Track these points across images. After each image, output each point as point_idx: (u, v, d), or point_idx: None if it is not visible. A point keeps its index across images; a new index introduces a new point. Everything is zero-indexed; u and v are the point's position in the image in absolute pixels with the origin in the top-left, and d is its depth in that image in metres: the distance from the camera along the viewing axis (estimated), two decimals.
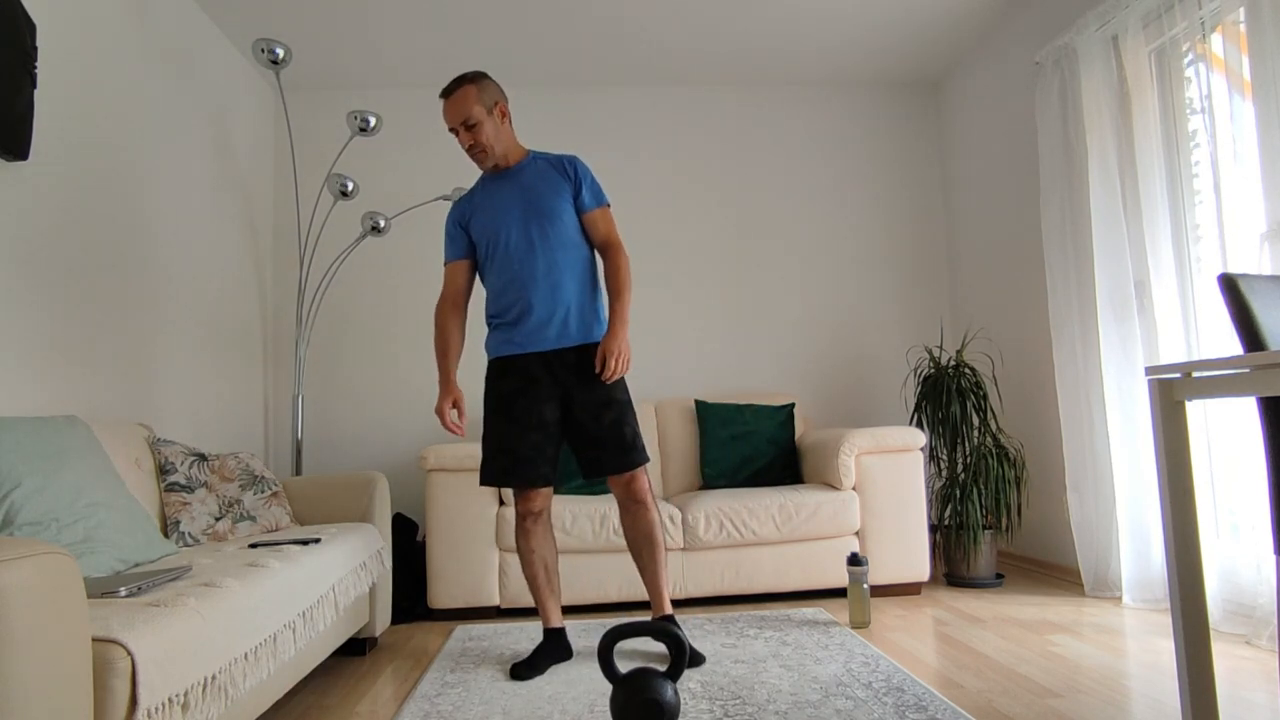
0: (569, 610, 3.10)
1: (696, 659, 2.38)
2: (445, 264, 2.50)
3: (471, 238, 2.45)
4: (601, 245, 2.43)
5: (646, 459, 2.38)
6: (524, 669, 2.32)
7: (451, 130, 2.35)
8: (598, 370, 2.30)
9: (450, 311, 2.48)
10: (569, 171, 2.41)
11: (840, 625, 2.76)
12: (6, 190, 2.20)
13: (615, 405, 2.34)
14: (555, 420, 2.36)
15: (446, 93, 2.34)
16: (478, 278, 2.53)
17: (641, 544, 2.43)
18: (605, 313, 2.44)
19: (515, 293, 2.35)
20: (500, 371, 2.40)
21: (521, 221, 2.35)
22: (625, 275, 2.38)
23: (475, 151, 2.37)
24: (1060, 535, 3.42)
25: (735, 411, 3.70)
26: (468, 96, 2.31)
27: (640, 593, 3.07)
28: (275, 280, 4.10)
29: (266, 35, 3.60)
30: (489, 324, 2.46)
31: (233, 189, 3.66)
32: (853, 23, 3.76)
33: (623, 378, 2.39)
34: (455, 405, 2.40)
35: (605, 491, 3.42)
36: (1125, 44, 2.92)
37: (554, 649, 2.43)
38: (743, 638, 2.64)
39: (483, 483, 2.39)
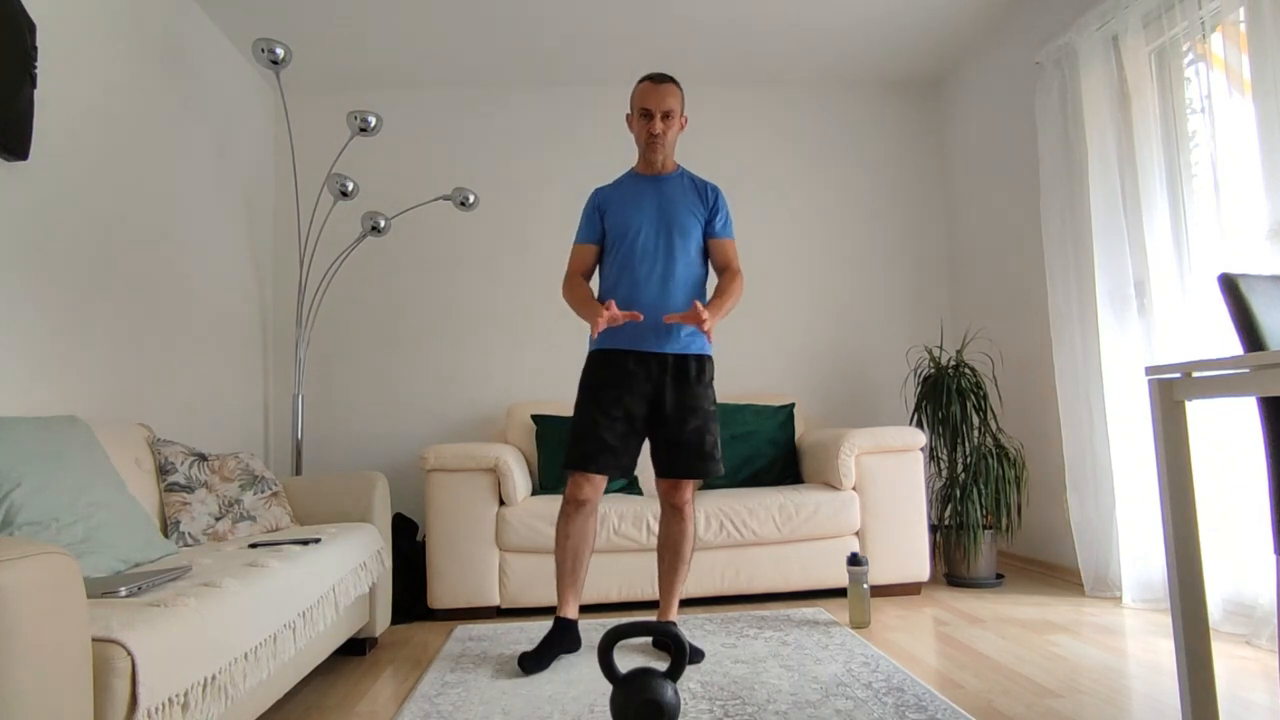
0: None
1: (696, 655, 2.40)
2: (576, 243, 2.58)
3: (605, 225, 2.53)
4: (722, 267, 2.54)
5: (720, 470, 2.47)
6: (531, 662, 2.35)
7: (644, 114, 2.45)
8: (679, 321, 2.30)
9: (578, 281, 2.54)
10: (709, 197, 2.54)
11: (840, 625, 2.76)
12: (6, 190, 2.20)
13: (702, 413, 2.43)
14: (643, 417, 2.43)
15: (659, 79, 2.47)
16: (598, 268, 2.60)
17: (667, 550, 2.53)
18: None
19: (629, 289, 2.43)
20: (600, 362, 2.47)
21: (654, 226, 2.46)
22: (738, 287, 2.47)
23: (656, 140, 2.47)
24: (1060, 535, 3.42)
25: (735, 411, 3.70)
26: (676, 93, 2.47)
27: (641, 593, 3.08)
28: (275, 280, 4.09)
29: (266, 35, 3.60)
30: None
31: (233, 189, 3.66)
32: (852, 22, 3.76)
33: (712, 390, 2.49)
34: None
35: (609, 492, 3.42)
36: (1125, 44, 2.92)
37: (562, 639, 2.46)
38: (743, 638, 2.64)
39: (565, 466, 2.43)
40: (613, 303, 2.32)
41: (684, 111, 2.52)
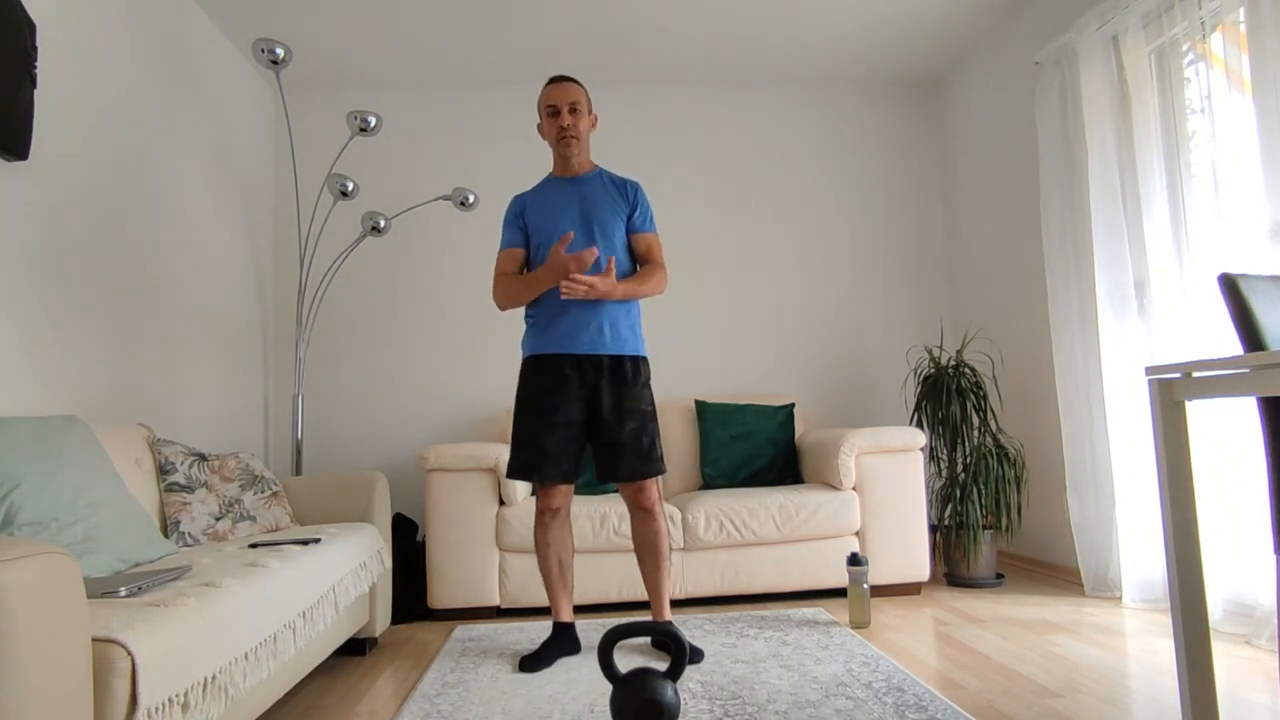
0: None
1: (696, 655, 2.41)
2: (501, 249, 2.57)
3: (528, 230, 2.53)
4: (643, 260, 2.54)
5: (662, 470, 2.45)
6: (532, 662, 2.37)
7: (550, 112, 2.48)
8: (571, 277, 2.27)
9: (508, 278, 2.53)
10: (629, 194, 2.54)
11: (840, 625, 2.76)
12: (6, 190, 2.20)
13: (639, 414, 2.42)
14: (580, 420, 2.42)
15: (558, 79, 2.50)
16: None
17: (645, 552, 2.50)
18: (641, 330, 2.52)
19: (557, 294, 2.41)
20: (533, 369, 2.47)
21: (580, 228, 2.45)
22: (653, 278, 2.48)
23: (567, 135, 2.47)
24: (1060, 535, 3.42)
25: (735, 411, 3.70)
26: (579, 89, 2.50)
27: (641, 593, 3.07)
28: (275, 280, 4.09)
29: (266, 35, 3.60)
30: (527, 320, 2.53)
31: (233, 189, 3.66)
32: (852, 22, 3.76)
33: (649, 390, 2.49)
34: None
35: (606, 492, 3.42)
36: (1125, 44, 2.92)
37: (562, 643, 2.48)
38: (743, 638, 2.64)
39: (509, 475, 2.46)
40: (558, 249, 2.30)
41: (592, 108, 2.54)
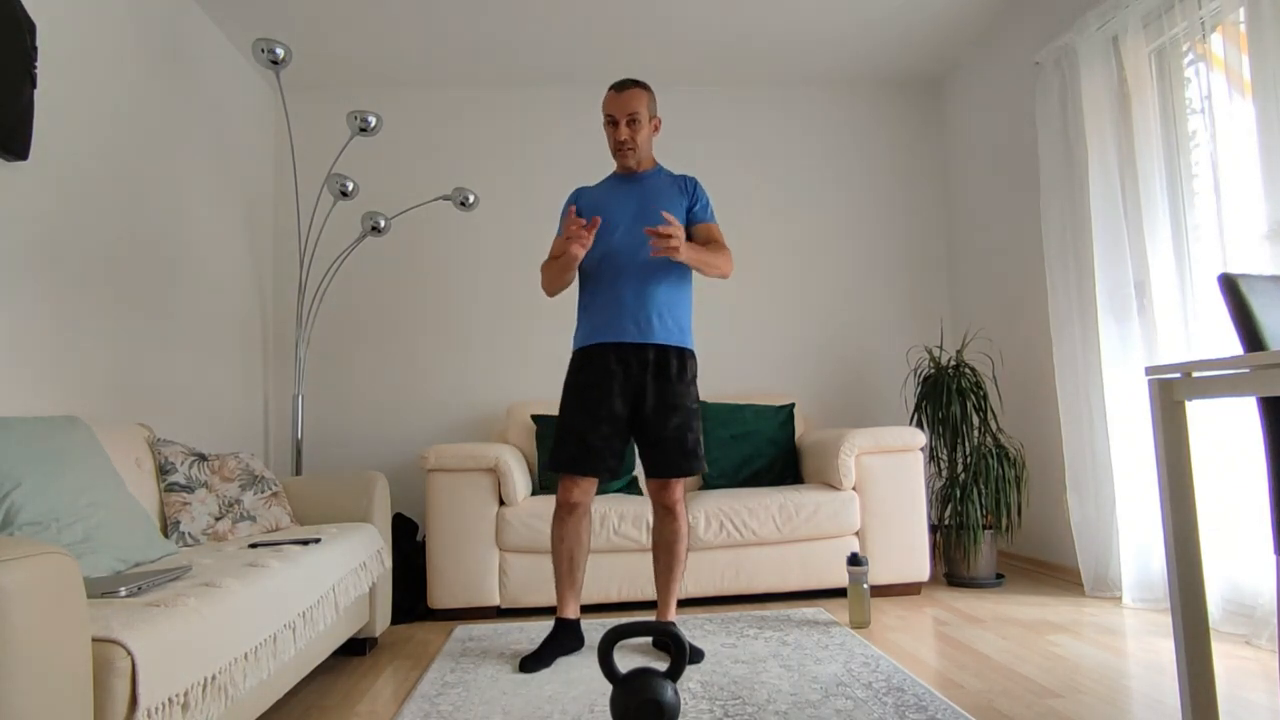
0: None
1: (696, 655, 2.41)
2: (556, 239, 2.57)
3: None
4: (707, 244, 2.52)
5: (702, 468, 2.47)
6: (531, 662, 2.37)
7: (609, 121, 2.48)
8: (655, 231, 2.26)
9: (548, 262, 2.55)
10: (688, 188, 2.55)
11: (840, 625, 2.76)
12: (6, 190, 2.20)
13: (682, 410, 2.42)
14: (625, 416, 2.43)
15: (620, 86, 2.48)
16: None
17: (661, 550, 2.53)
18: (690, 324, 2.52)
19: (610, 282, 2.44)
20: (581, 363, 2.48)
21: (634, 220, 2.46)
22: (721, 257, 2.45)
23: (625, 147, 2.49)
24: (1060, 535, 3.42)
25: (735, 411, 3.70)
26: (640, 96, 2.48)
27: (641, 593, 3.08)
28: (275, 280, 4.09)
29: (266, 35, 3.60)
30: (580, 312, 2.54)
31: (233, 189, 3.66)
32: (852, 22, 3.76)
33: (695, 388, 2.48)
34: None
35: (606, 492, 3.42)
36: (1125, 44, 2.92)
37: (563, 640, 2.47)
38: (743, 638, 2.64)
39: (551, 468, 2.44)
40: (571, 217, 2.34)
41: (655, 113, 2.53)
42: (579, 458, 2.39)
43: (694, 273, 2.52)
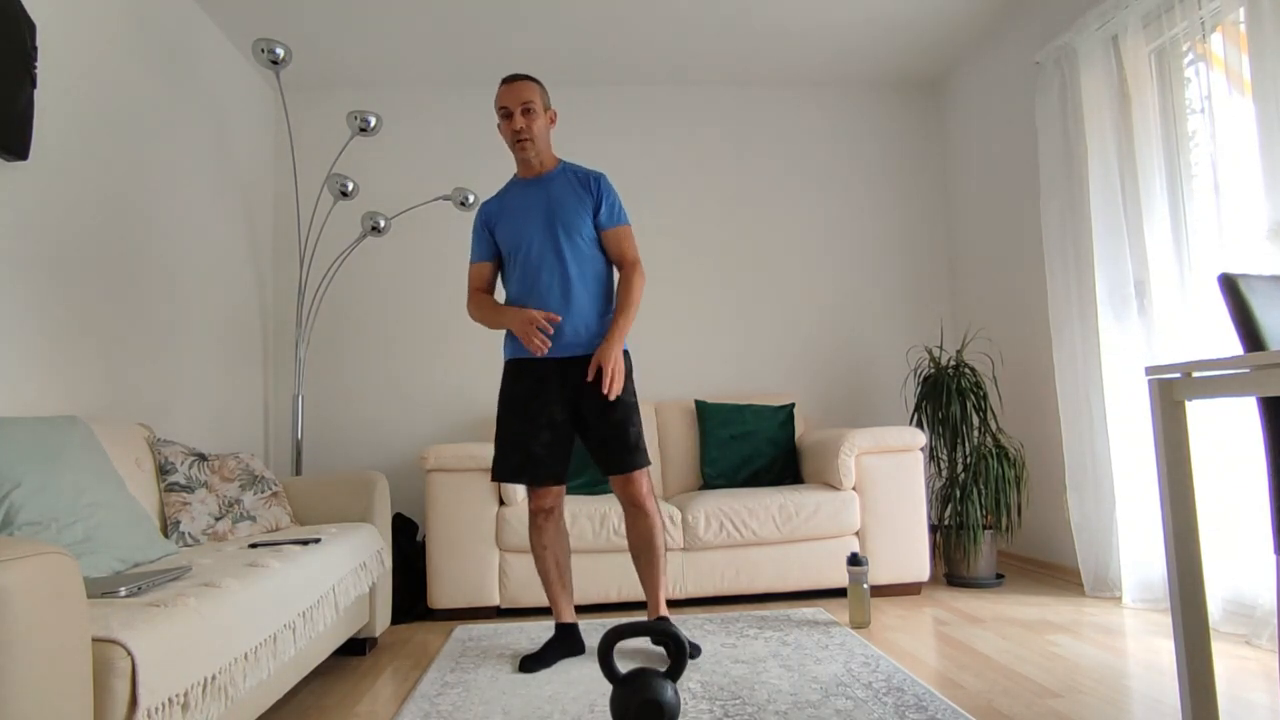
0: None
1: (694, 650, 2.42)
2: (471, 264, 2.56)
3: (496, 240, 2.51)
4: (617, 261, 2.50)
5: (646, 462, 2.43)
6: (532, 662, 2.37)
7: (504, 114, 2.41)
8: (590, 379, 2.34)
9: (481, 298, 2.53)
10: (591, 188, 2.47)
11: (840, 625, 2.76)
12: (6, 190, 2.20)
13: (621, 406, 2.39)
14: (565, 420, 2.42)
15: (510, 79, 2.43)
16: (499, 279, 2.59)
17: (639, 548, 2.49)
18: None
19: (533, 300, 2.41)
20: (515, 373, 2.46)
21: (544, 231, 2.42)
22: (634, 291, 2.43)
23: (522, 137, 2.41)
24: (1060, 535, 3.42)
25: (735, 411, 3.70)
26: (531, 86, 2.42)
27: (641, 593, 3.07)
28: (275, 280, 4.09)
29: (266, 35, 3.60)
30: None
31: (233, 189, 3.66)
32: (853, 22, 3.75)
33: (631, 382, 2.44)
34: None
35: (606, 492, 3.42)
36: (1125, 44, 2.92)
37: (564, 644, 2.47)
38: (743, 638, 2.64)
39: (494, 478, 2.44)
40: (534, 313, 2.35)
41: (550, 105, 2.48)
42: (521, 467, 2.39)
43: (611, 270, 2.52)
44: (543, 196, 2.45)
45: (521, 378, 2.44)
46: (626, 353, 2.45)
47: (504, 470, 2.42)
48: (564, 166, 2.52)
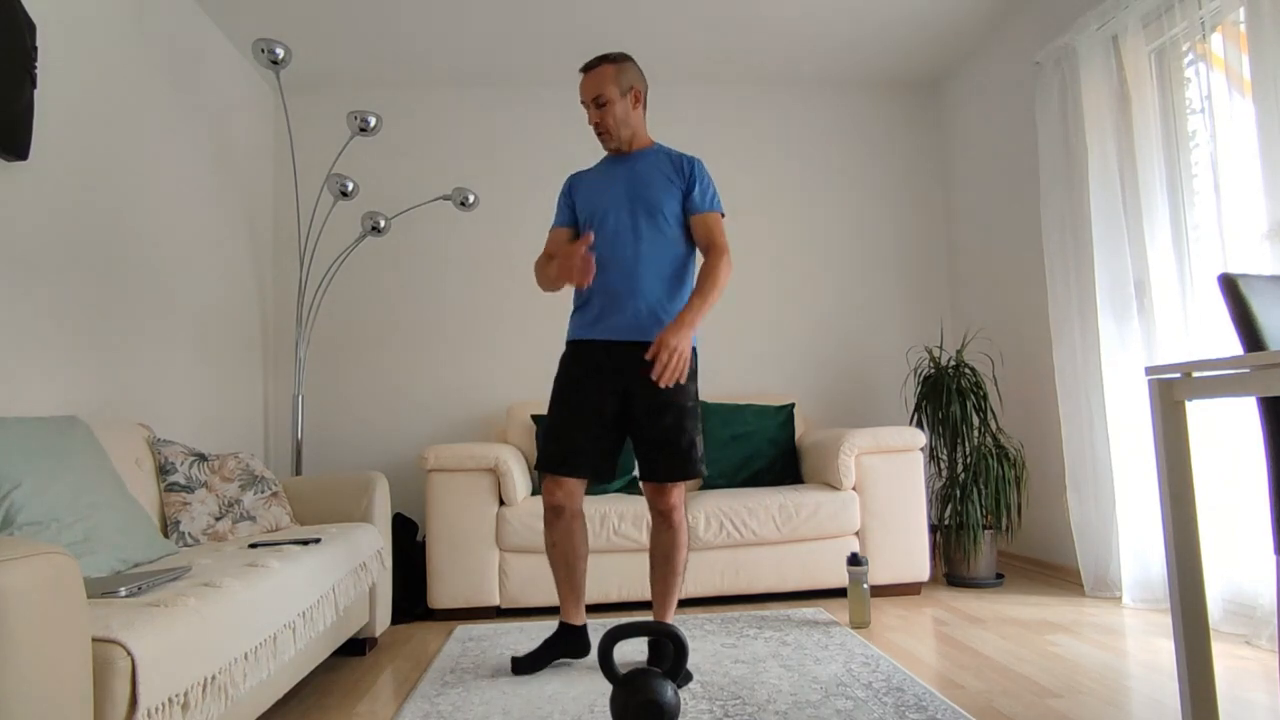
0: None
1: (686, 677, 2.22)
2: (551, 228, 2.51)
3: (576, 209, 2.45)
4: (704, 247, 2.36)
5: (701, 473, 2.31)
6: (522, 664, 2.33)
7: (583, 104, 2.37)
8: (648, 359, 2.14)
9: (544, 260, 2.45)
10: (684, 170, 2.37)
11: (840, 625, 2.76)
12: (6, 190, 2.20)
13: (675, 409, 2.25)
14: (614, 414, 2.30)
15: (586, 68, 2.37)
16: None
17: (658, 561, 2.37)
18: None
19: (601, 275, 2.29)
20: (571, 358, 2.38)
21: (625, 207, 2.33)
22: (719, 278, 2.27)
23: (599, 131, 2.37)
24: (1060, 535, 3.42)
25: (735, 411, 3.70)
26: (604, 75, 2.33)
27: (641, 593, 3.07)
28: (275, 280, 4.09)
29: (266, 35, 3.60)
30: (574, 304, 2.43)
31: (233, 189, 3.66)
32: (852, 23, 3.75)
33: (695, 385, 2.32)
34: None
35: (606, 492, 3.42)
36: (1125, 44, 2.92)
37: (562, 644, 2.41)
38: (743, 638, 2.64)
39: (538, 467, 2.34)
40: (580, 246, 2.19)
41: (633, 84, 2.36)
42: (564, 456, 2.27)
43: (694, 262, 2.41)
44: (628, 173, 2.37)
45: (575, 363, 2.34)
46: (693, 349, 2.24)
47: (546, 458, 2.30)
48: (658, 147, 2.44)
